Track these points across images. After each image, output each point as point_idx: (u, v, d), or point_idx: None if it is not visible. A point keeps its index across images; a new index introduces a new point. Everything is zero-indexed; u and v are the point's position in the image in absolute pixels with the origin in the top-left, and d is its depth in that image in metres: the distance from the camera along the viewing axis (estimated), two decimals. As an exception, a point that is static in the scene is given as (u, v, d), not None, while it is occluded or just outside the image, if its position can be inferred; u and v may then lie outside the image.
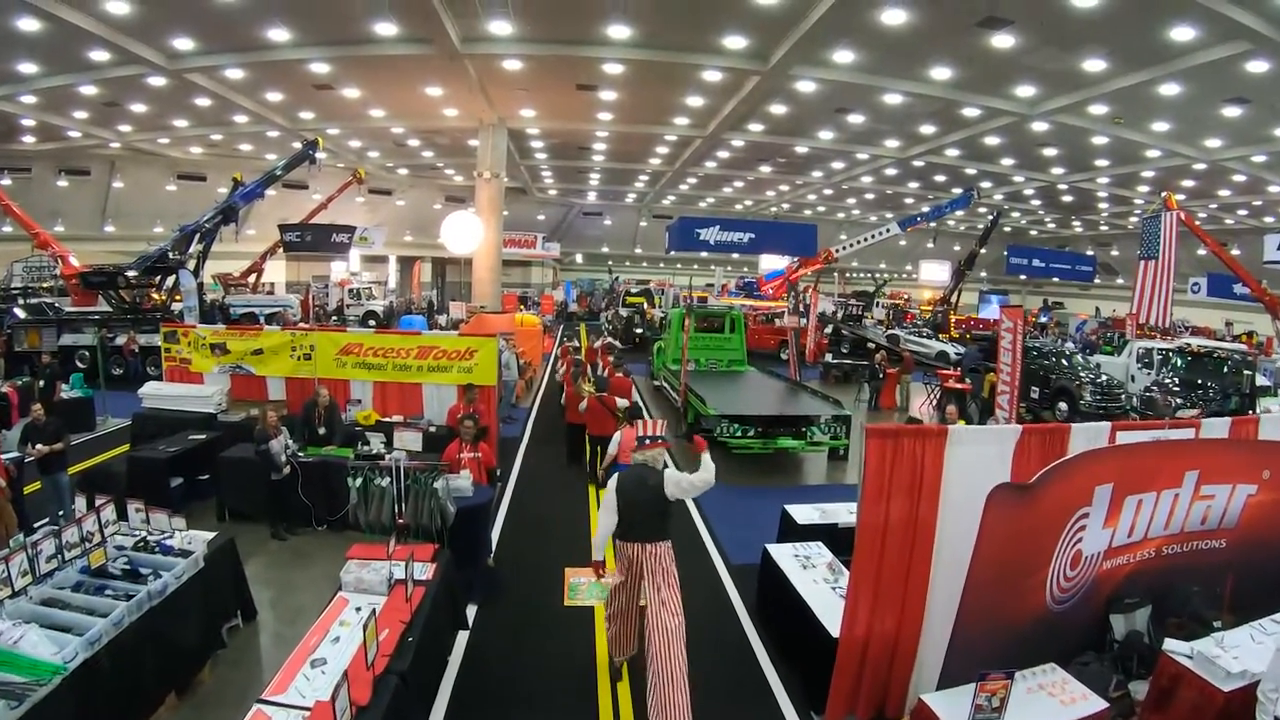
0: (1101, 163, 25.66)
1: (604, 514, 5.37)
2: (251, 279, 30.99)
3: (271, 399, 10.80)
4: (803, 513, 7.65)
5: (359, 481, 6.46)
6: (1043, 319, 46.47)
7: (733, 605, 7.11)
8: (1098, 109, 19.09)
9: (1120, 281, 43.94)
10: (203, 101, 21.76)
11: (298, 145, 22.40)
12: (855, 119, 21.74)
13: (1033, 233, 47.67)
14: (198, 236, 20.03)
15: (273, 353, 10.89)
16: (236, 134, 26.73)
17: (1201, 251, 32.49)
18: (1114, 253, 42.73)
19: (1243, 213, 32.73)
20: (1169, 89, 16.66)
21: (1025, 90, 18.24)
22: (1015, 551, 4.51)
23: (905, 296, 50.93)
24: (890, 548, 4.70)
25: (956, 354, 27.84)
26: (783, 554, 6.59)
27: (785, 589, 6.09)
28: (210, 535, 6.06)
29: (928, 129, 22.55)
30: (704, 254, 55.24)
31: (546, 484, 11.05)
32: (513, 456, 12.42)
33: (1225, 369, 14.81)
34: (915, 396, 18.98)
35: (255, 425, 8.45)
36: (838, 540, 7.17)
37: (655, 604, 5.08)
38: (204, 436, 9.76)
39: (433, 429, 10.06)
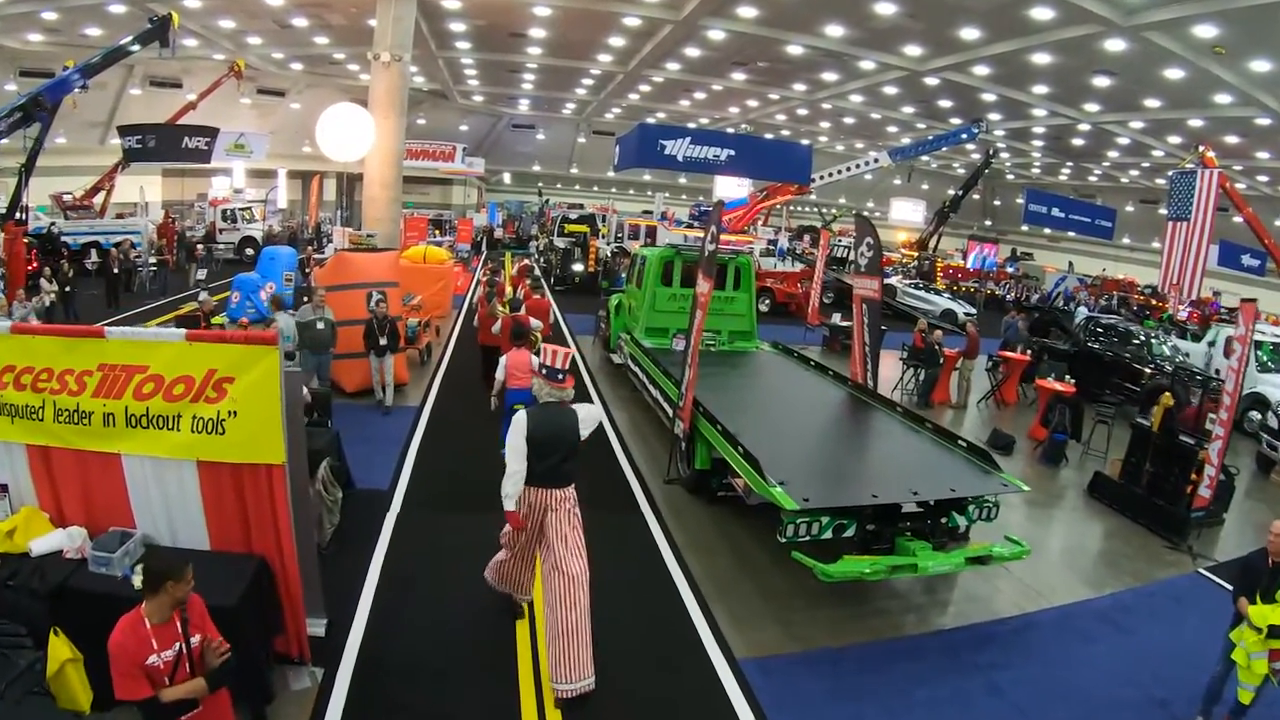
0: (1152, 103, 21.21)
1: (513, 459, 4.72)
2: (99, 199, 24.77)
3: None
4: None
5: None
6: (1009, 269, 42.83)
7: None
8: (1204, 30, 14.67)
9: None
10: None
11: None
12: (885, 7, 16.34)
13: (1009, 177, 43.61)
14: None
15: None
16: (73, 10, 20.74)
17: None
18: (1097, 204, 39.05)
19: (1262, 178, 29.23)
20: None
21: (1135, -13, 13.50)
22: None
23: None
24: None
25: (966, 314, 23.58)
26: None
27: None
28: None
29: (972, 32, 17.35)
30: (647, 175, 49.26)
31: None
32: (363, 561, 6.15)
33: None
34: (978, 388, 14.17)
35: None
36: None
37: (559, 550, 4.72)
38: None
39: (137, 581, 3.38)
